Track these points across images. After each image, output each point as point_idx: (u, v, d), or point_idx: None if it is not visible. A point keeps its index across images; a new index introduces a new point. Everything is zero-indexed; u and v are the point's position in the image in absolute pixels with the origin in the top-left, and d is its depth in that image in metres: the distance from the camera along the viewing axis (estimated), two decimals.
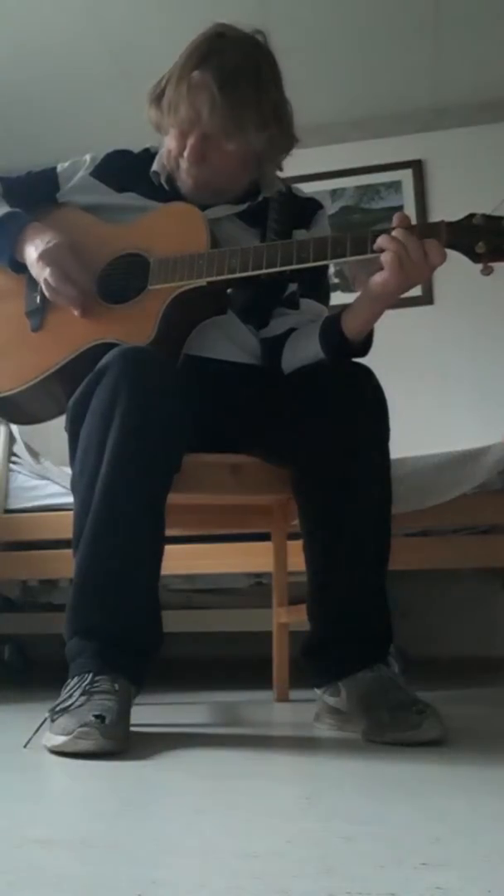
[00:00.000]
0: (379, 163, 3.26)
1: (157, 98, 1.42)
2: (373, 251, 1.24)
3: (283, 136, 1.45)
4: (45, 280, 1.38)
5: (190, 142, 1.39)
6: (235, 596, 2.33)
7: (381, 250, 1.23)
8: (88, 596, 1.17)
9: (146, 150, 1.55)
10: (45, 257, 1.38)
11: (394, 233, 1.22)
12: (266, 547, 1.82)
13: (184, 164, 1.42)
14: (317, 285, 1.53)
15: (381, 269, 1.24)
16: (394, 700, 1.15)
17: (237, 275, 1.32)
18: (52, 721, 1.07)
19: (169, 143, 1.45)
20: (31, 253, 1.40)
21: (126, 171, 1.52)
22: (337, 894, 0.53)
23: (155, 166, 1.50)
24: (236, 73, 1.36)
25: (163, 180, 1.49)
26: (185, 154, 1.40)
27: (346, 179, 3.28)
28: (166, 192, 1.48)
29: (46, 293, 1.40)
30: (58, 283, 1.37)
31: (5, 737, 1.30)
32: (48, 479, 2.16)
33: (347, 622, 1.26)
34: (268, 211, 1.50)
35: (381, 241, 1.23)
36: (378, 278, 1.25)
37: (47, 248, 1.38)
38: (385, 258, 1.22)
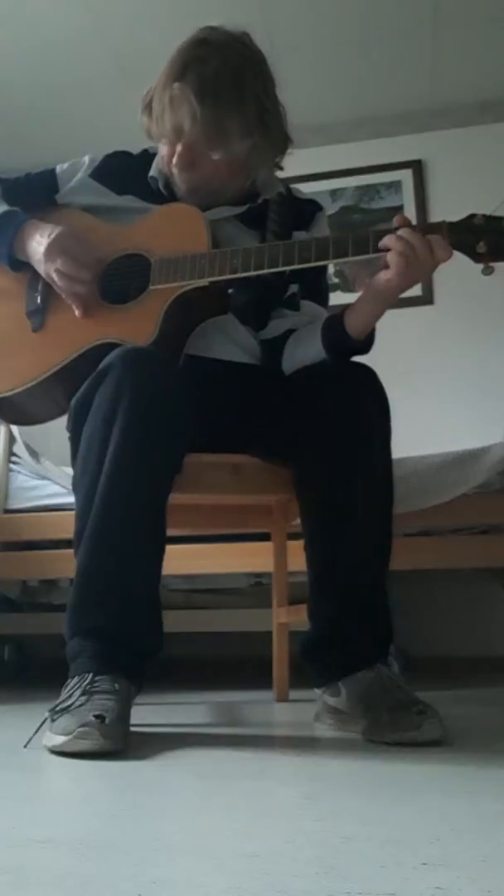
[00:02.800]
0: (379, 163, 3.26)
1: (147, 106, 1.41)
2: (375, 251, 1.24)
3: (270, 142, 1.42)
4: (58, 270, 1.37)
5: (178, 150, 1.38)
6: (235, 596, 2.33)
7: (387, 249, 1.23)
8: (89, 596, 1.17)
9: (145, 152, 1.55)
10: (52, 248, 1.37)
11: (399, 232, 1.23)
12: (266, 547, 1.82)
13: (175, 170, 1.42)
14: (315, 286, 1.53)
15: (384, 268, 1.24)
16: (394, 700, 1.15)
17: (239, 275, 1.32)
18: (52, 721, 1.07)
19: (161, 149, 1.45)
20: (36, 249, 1.39)
21: (125, 172, 1.52)
22: (337, 894, 0.53)
23: (153, 171, 1.49)
24: (217, 82, 1.33)
25: (161, 185, 1.49)
26: (174, 161, 1.40)
27: (345, 179, 3.28)
28: (164, 196, 1.48)
29: (59, 284, 1.38)
30: (72, 271, 1.36)
31: (5, 737, 1.30)
32: (48, 479, 2.17)
33: (348, 622, 1.26)
34: (268, 213, 1.50)
35: (387, 240, 1.23)
36: (383, 276, 1.25)
37: (52, 240, 1.37)
38: (391, 257, 1.22)
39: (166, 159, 1.43)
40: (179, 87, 1.33)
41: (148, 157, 1.53)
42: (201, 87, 1.32)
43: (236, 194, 1.49)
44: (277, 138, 1.43)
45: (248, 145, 1.39)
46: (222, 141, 1.35)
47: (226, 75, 1.33)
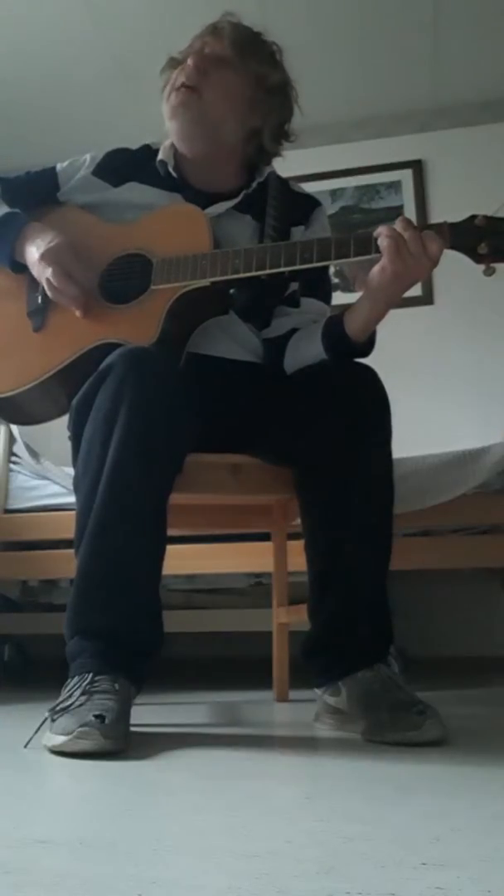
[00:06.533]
0: (379, 163, 3.26)
1: (176, 59, 1.48)
2: (377, 251, 1.24)
3: (290, 95, 1.50)
4: (48, 280, 1.37)
5: (198, 54, 1.44)
6: (235, 596, 2.33)
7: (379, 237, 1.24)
8: (89, 595, 1.17)
9: (146, 147, 1.55)
10: (46, 257, 1.37)
11: (393, 224, 1.24)
12: (266, 547, 1.82)
13: (182, 75, 1.44)
14: (317, 285, 1.54)
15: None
16: (394, 700, 1.16)
17: (241, 275, 1.32)
18: (53, 721, 1.07)
19: (173, 77, 1.47)
20: (33, 253, 1.40)
21: (125, 165, 1.52)
22: (337, 894, 0.53)
23: (161, 155, 1.50)
24: (254, 29, 1.47)
25: (171, 168, 1.49)
26: (189, 61, 1.43)
27: (345, 179, 3.28)
28: (173, 179, 1.48)
29: (49, 293, 1.39)
30: (60, 283, 1.37)
31: (5, 737, 1.30)
32: (48, 479, 2.16)
33: (348, 622, 1.26)
34: (265, 199, 1.50)
35: (380, 229, 1.24)
36: (377, 266, 1.25)
37: (49, 247, 1.38)
38: (381, 242, 1.23)
39: (175, 74, 1.45)
40: (223, 16, 1.46)
41: (150, 151, 1.53)
42: (240, 24, 1.47)
43: (230, 180, 1.50)
44: (286, 108, 1.50)
45: (272, 76, 1.46)
46: (253, 54, 1.44)
47: (260, 33, 1.49)
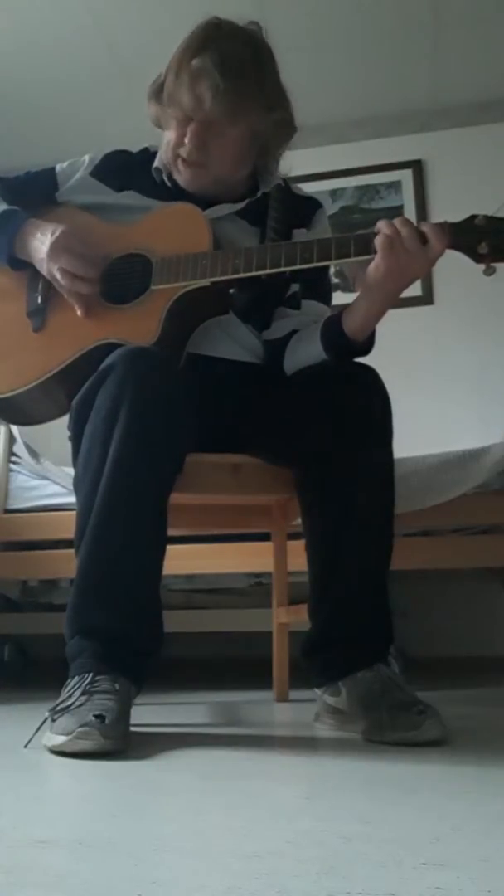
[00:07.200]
0: (379, 163, 3.26)
1: (157, 92, 1.43)
2: (376, 251, 1.24)
3: (288, 120, 1.46)
4: (62, 269, 1.36)
5: (191, 128, 1.39)
6: (235, 596, 2.33)
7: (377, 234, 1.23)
8: (89, 595, 1.17)
9: (145, 150, 1.55)
10: (56, 246, 1.36)
11: (392, 220, 1.24)
12: (266, 547, 1.82)
13: (184, 152, 1.41)
14: (317, 286, 1.53)
15: None
16: (394, 700, 1.16)
17: (241, 275, 1.31)
18: (53, 721, 1.07)
19: (168, 135, 1.44)
20: (37, 248, 1.39)
21: (125, 169, 1.52)
22: (337, 894, 0.53)
23: (157, 163, 1.49)
24: (237, 57, 1.36)
25: (165, 177, 1.49)
26: (186, 140, 1.39)
27: (345, 179, 3.28)
28: (168, 188, 1.48)
29: (62, 282, 1.37)
30: (77, 269, 1.36)
31: (5, 737, 1.30)
32: (48, 479, 2.17)
33: (348, 622, 1.26)
34: (267, 208, 1.50)
35: (378, 225, 1.24)
36: (372, 263, 1.25)
37: (55, 238, 1.37)
38: (377, 239, 1.23)
39: (173, 143, 1.42)
40: (199, 62, 1.34)
41: (148, 154, 1.53)
42: (222, 61, 1.34)
43: (236, 187, 1.49)
44: (289, 122, 1.46)
45: (271, 121, 1.41)
46: (244, 114, 1.37)
47: (246, 52, 1.38)
